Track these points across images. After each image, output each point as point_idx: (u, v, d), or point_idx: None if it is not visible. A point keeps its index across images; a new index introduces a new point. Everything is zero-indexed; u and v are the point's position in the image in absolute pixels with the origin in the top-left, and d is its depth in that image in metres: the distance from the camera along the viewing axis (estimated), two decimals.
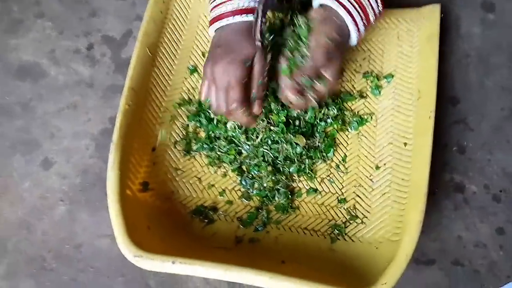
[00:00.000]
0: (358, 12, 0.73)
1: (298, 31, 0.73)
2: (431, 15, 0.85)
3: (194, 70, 0.86)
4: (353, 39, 0.75)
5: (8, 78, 0.90)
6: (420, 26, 0.85)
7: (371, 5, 0.74)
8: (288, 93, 0.72)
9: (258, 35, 0.70)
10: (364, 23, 0.74)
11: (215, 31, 0.75)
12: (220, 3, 0.73)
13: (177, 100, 0.84)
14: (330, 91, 0.74)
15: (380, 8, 0.76)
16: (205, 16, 0.90)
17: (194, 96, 0.85)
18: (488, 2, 0.95)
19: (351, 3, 0.72)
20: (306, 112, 0.79)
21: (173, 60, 0.86)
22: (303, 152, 0.79)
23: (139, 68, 0.80)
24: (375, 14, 0.76)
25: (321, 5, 0.74)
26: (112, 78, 0.90)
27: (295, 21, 0.74)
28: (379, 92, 0.84)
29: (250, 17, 0.72)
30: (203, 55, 0.88)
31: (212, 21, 0.74)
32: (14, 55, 0.92)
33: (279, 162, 0.79)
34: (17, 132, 0.87)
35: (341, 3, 0.72)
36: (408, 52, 0.85)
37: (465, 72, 0.89)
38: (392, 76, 0.84)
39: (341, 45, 0.73)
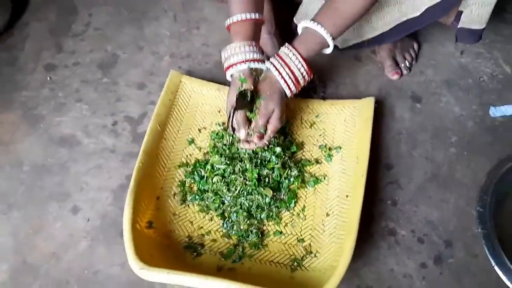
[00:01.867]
0: (289, 75, 1.00)
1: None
2: (368, 104, 1.15)
3: (191, 141, 1.15)
4: (287, 94, 1.03)
5: (51, 146, 1.19)
6: (360, 112, 1.15)
7: (299, 70, 1.01)
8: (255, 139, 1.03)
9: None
10: (294, 83, 1.01)
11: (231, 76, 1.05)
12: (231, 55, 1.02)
13: (177, 163, 1.11)
14: (274, 131, 1.02)
15: (307, 74, 1.02)
16: (202, 104, 1.21)
17: (190, 160, 1.12)
18: (416, 95, 1.26)
19: (283, 68, 1.00)
20: (273, 171, 1.06)
21: (177, 134, 1.15)
22: (271, 202, 1.04)
23: (151, 138, 1.09)
24: (303, 77, 1.02)
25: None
26: (130, 147, 1.19)
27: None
28: (331, 159, 1.11)
29: (251, 64, 1.01)
30: (199, 131, 1.17)
31: (226, 68, 1.04)
32: (57, 129, 1.22)
33: (253, 210, 1.04)
34: (54, 186, 1.13)
35: (276, 69, 1.01)
36: (351, 130, 1.13)
37: (398, 145, 1.17)
38: (340, 147, 1.12)
39: (278, 97, 1.01)
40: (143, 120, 1.24)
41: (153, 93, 1.28)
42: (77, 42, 1.39)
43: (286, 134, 1.15)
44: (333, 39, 1.00)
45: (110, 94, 1.28)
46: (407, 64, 1.29)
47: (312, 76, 1.04)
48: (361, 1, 0.98)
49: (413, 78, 1.29)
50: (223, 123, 1.18)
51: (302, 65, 1.01)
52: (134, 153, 1.16)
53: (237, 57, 1.02)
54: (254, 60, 1.02)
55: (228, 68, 1.04)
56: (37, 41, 1.39)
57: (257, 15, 1.02)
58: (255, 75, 1.04)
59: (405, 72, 1.29)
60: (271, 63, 1.02)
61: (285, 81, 1.01)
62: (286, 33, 1.37)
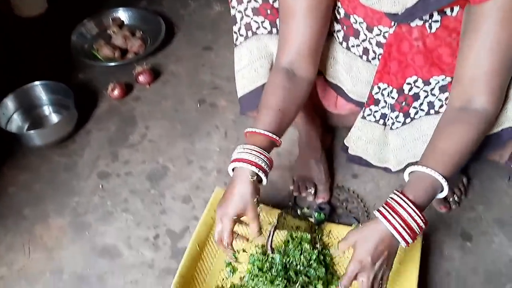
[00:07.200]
0: (402, 226, 0.87)
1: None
2: (415, 242, 1.10)
3: (229, 264, 1.13)
4: (403, 245, 0.89)
5: (93, 255, 1.21)
6: (406, 249, 1.10)
7: (413, 219, 0.87)
8: None
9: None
10: (409, 234, 0.88)
11: (232, 169, 0.99)
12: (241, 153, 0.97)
13: (213, 286, 1.09)
14: None
15: (423, 223, 0.89)
16: (244, 224, 1.21)
17: (226, 284, 1.09)
18: (466, 233, 1.20)
19: (394, 218, 0.87)
20: None
21: (215, 254, 1.14)
22: None
23: (189, 259, 1.08)
24: (419, 227, 0.89)
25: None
26: (168, 263, 1.19)
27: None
28: None
29: (254, 168, 0.95)
30: (238, 252, 1.15)
31: (232, 161, 0.98)
32: (101, 238, 1.25)
33: None
34: None
35: (387, 219, 0.88)
36: (396, 268, 1.08)
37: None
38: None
39: (390, 254, 0.90)
40: (184, 235, 1.25)
41: (197, 208, 1.31)
42: (132, 152, 1.47)
43: (327, 266, 1.11)
44: (446, 179, 0.89)
45: (155, 206, 1.32)
46: (456, 198, 1.26)
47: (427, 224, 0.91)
48: (462, 140, 0.92)
49: (463, 214, 1.24)
50: (263, 246, 1.16)
51: (416, 213, 0.88)
52: (172, 269, 1.16)
53: (256, 158, 0.96)
54: (263, 170, 0.96)
55: (238, 160, 0.97)
56: (95, 149, 1.48)
57: (275, 136, 1.01)
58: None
59: (454, 206, 1.25)
60: (380, 212, 0.90)
61: (399, 233, 0.88)
62: (331, 157, 1.40)
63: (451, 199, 1.25)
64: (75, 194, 1.36)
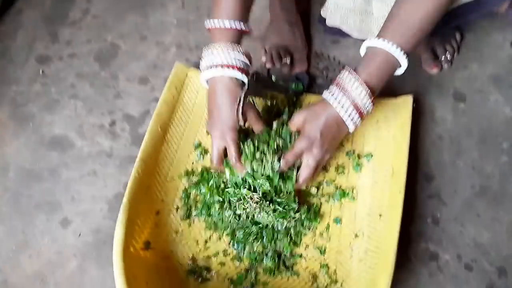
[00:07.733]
0: (352, 107, 0.81)
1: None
2: (405, 104, 0.98)
3: (198, 145, 1.00)
4: (350, 129, 0.83)
5: (41, 148, 1.05)
6: (395, 113, 0.98)
7: (362, 101, 0.81)
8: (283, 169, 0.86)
9: (239, 116, 0.84)
10: (359, 116, 0.82)
11: (207, 81, 0.88)
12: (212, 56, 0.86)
13: (182, 171, 0.96)
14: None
15: (370, 106, 0.82)
16: None
17: (197, 168, 0.97)
18: (459, 93, 1.08)
19: (344, 98, 0.80)
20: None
21: (181, 137, 1.00)
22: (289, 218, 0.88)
23: (151, 142, 0.94)
24: (367, 110, 0.83)
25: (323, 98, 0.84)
26: (129, 150, 1.05)
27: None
28: (360, 169, 0.95)
29: (235, 72, 0.84)
30: (208, 133, 1.02)
31: (207, 68, 0.87)
32: (48, 129, 1.08)
33: (268, 228, 0.88)
34: (43, 195, 1.00)
35: (336, 99, 0.81)
36: (385, 136, 0.97)
37: (439, 152, 1.00)
38: (371, 155, 0.96)
39: (335, 136, 0.84)
40: (145, 119, 1.09)
41: (156, 89, 1.14)
42: (74, 31, 1.24)
43: None
44: (405, 54, 0.79)
45: (108, 90, 1.14)
46: (448, 56, 1.12)
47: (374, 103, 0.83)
48: (426, 6, 0.79)
49: (456, 73, 1.11)
50: None
51: (365, 94, 0.80)
52: (134, 157, 1.01)
53: (235, 61, 0.85)
54: (245, 72, 0.86)
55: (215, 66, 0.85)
56: (30, 30, 1.25)
57: (244, 25, 0.86)
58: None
59: (445, 66, 1.11)
60: (329, 92, 0.82)
61: (348, 115, 0.81)
62: (307, 22, 1.22)
63: (442, 58, 1.11)
64: (12, 83, 1.16)
